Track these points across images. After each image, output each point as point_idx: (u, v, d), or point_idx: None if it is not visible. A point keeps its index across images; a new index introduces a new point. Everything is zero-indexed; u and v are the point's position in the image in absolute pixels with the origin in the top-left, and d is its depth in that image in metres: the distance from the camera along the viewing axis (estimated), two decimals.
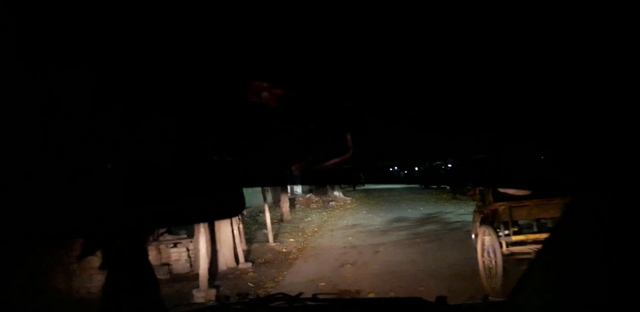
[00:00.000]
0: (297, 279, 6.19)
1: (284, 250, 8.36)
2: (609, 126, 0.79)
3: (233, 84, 0.76)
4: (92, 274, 5.42)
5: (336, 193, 17.68)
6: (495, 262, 4.28)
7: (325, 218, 12.53)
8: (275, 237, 9.42)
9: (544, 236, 4.23)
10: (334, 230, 10.32)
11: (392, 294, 5.08)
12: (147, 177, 0.98)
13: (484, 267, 4.61)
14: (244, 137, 0.92)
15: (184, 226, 7.11)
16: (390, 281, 5.67)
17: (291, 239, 9.40)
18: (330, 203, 15.84)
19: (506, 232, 4.49)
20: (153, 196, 1.01)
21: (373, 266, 6.50)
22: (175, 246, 7.25)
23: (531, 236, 4.35)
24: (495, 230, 4.45)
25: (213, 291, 5.74)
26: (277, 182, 1.42)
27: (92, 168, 0.91)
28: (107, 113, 0.80)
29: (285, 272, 6.64)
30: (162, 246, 7.24)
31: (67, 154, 0.87)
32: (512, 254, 4.28)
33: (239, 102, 0.77)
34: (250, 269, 7.05)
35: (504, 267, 4.15)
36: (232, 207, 1.21)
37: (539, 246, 3.75)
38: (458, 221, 10.03)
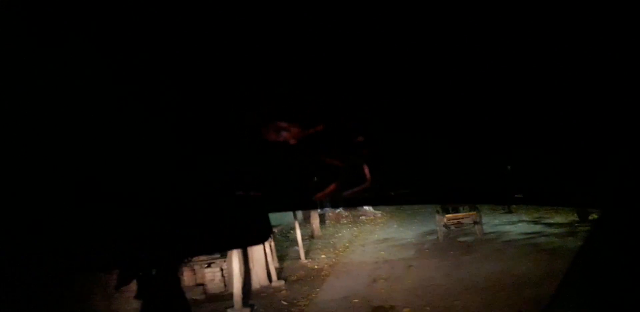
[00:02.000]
0: (330, 296, 6.17)
1: (315, 266, 8.35)
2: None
3: (253, 123, 0.82)
4: (129, 297, 5.56)
5: (366, 208, 17.55)
6: (441, 226, 9.52)
7: (356, 233, 12.46)
8: (307, 253, 9.43)
9: (460, 214, 9.24)
10: (365, 245, 10.24)
11: (427, 309, 5.01)
12: (178, 209, 1.03)
13: (440, 229, 9.60)
14: (266, 171, 0.96)
15: None
16: (424, 295, 5.59)
17: (323, 255, 9.38)
18: (361, 218, 15.73)
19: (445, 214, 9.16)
20: (184, 226, 1.07)
21: (406, 281, 6.42)
22: (209, 266, 7.36)
23: (455, 215, 9.22)
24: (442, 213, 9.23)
25: (247, 310, 5.80)
26: (306, 206, 1.46)
27: (126, 203, 0.96)
28: (140, 148, 0.86)
29: (318, 289, 6.63)
30: (196, 267, 7.37)
31: (102, 191, 0.92)
32: (446, 223, 9.35)
33: (259, 140, 0.83)
34: (283, 287, 7.07)
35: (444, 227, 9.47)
36: (260, 234, 1.25)
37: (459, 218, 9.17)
38: (492, 232, 9.81)
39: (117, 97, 0.72)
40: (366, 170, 0.91)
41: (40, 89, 0.65)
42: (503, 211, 12.35)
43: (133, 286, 1.66)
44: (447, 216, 9.00)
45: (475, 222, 9.16)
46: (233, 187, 0.99)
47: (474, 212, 9.00)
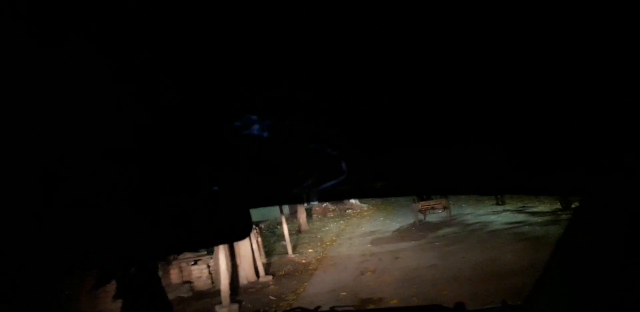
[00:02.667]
0: (318, 289, 6.18)
1: (303, 261, 8.36)
2: (619, 126, 0.79)
3: (224, 116, 0.79)
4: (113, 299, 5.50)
5: (352, 201, 17.62)
6: (416, 211, 10.81)
7: (342, 226, 12.50)
8: (294, 248, 9.42)
9: (432, 201, 10.52)
10: (352, 238, 10.28)
11: (414, 300, 5.04)
12: (155, 206, 1.01)
13: (415, 215, 10.92)
14: (243, 165, 0.94)
15: None
16: (411, 287, 5.63)
17: (310, 250, 9.39)
18: (347, 211, 15.80)
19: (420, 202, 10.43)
20: (161, 223, 1.04)
21: (394, 273, 6.46)
22: (195, 263, 7.31)
23: (428, 202, 10.50)
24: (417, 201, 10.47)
25: (235, 306, 5.77)
26: (289, 200, 1.44)
27: (102, 202, 0.93)
28: (117, 143, 0.83)
29: (306, 284, 6.63)
30: (183, 264, 7.31)
31: (78, 191, 0.89)
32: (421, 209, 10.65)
33: (230, 133, 0.81)
34: (271, 282, 7.06)
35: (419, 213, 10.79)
36: (240, 230, 1.23)
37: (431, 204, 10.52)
38: (478, 222, 9.92)
39: (104, 96, 0.71)
40: (342, 162, 0.90)
41: (40, 89, 0.64)
42: (491, 203, 12.48)
43: (114, 285, 1.61)
44: (422, 203, 10.55)
45: (444, 207, 10.76)
46: (211, 182, 0.97)
47: (444, 200, 10.63)
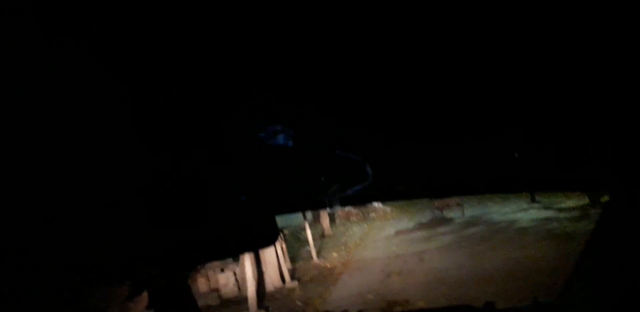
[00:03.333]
0: (344, 293, 6.16)
1: (328, 265, 8.34)
2: None
3: (249, 128, 0.81)
4: (144, 308, 5.58)
5: (375, 204, 17.49)
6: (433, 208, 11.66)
7: (366, 230, 12.43)
8: (319, 253, 9.41)
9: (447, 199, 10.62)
10: (376, 241, 10.22)
11: (441, 301, 4.98)
12: (184, 216, 1.02)
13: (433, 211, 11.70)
14: (269, 174, 0.96)
15: None
16: (438, 288, 5.56)
17: (334, 254, 9.37)
18: (371, 214, 15.68)
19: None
20: (190, 233, 1.06)
21: (419, 274, 6.39)
22: (222, 271, 7.38)
23: (444, 199, 10.60)
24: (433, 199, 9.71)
25: None
26: (313, 206, 1.45)
27: (130, 214, 0.95)
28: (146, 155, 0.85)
29: (332, 288, 6.62)
30: (209, 272, 7.38)
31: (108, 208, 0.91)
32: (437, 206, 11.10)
33: (256, 142, 0.83)
34: (297, 288, 7.07)
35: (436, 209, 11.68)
36: (267, 236, 1.23)
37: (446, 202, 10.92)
38: (504, 220, 9.74)
39: (117, 98, 0.71)
40: (368, 167, 0.91)
41: (39, 88, 0.64)
42: (523, 200, 12.20)
43: (146, 296, 1.65)
44: (437, 201, 11.20)
45: (458, 204, 11.51)
46: (238, 191, 0.99)
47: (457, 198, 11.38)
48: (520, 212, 10.48)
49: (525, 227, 8.48)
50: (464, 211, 11.63)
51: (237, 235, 1.14)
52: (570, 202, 10.26)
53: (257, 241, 1.25)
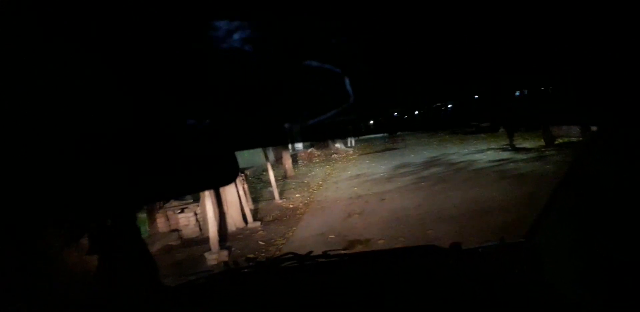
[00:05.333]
0: (306, 233, 6.23)
1: (290, 206, 8.41)
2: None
3: (192, 26, 0.60)
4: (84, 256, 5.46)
5: (338, 145, 17.63)
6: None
7: (328, 171, 12.54)
8: (281, 194, 9.46)
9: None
10: (338, 182, 10.34)
11: (401, 240, 5.11)
12: (129, 150, 0.85)
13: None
14: (217, 93, 0.76)
15: None
16: (398, 227, 5.69)
17: (297, 195, 9.44)
18: (333, 156, 15.83)
19: None
20: (138, 169, 0.89)
21: (380, 214, 6.52)
22: (182, 211, 7.29)
23: None
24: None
25: (225, 252, 5.81)
26: (274, 142, 1.26)
27: (69, 145, 0.78)
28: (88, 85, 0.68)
29: (294, 228, 6.69)
30: (169, 213, 7.29)
31: (41, 130, 0.73)
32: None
33: (203, 50, 0.62)
34: (259, 228, 7.11)
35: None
36: (225, 175, 1.10)
37: None
38: (462, 161, 10.00)
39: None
40: (348, 84, 0.71)
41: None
42: (475, 142, 12.54)
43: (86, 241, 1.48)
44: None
45: (402, 140, 14.87)
46: (191, 123, 0.80)
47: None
48: (479, 153, 10.79)
49: (483, 168, 8.74)
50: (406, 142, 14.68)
51: (193, 171, 0.99)
52: (527, 144, 10.63)
53: (215, 179, 1.11)
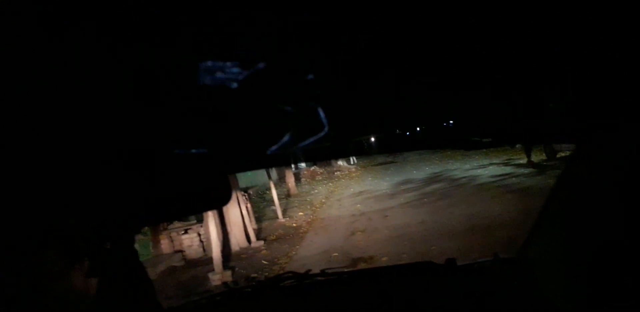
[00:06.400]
0: (309, 252, 6.22)
1: (294, 224, 8.40)
2: (614, 73, 0.72)
3: (180, 64, 0.66)
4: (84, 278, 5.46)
5: (340, 163, 17.67)
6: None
7: (331, 188, 12.55)
8: (284, 212, 9.46)
9: None
10: (341, 199, 10.34)
11: (404, 257, 5.10)
12: (124, 174, 0.90)
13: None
14: (211, 123, 0.82)
15: None
16: (401, 243, 5.68)
17: (300, 213, 9.43)
18: (336, 173, 15.86)
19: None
20: (133, 193, 0.94)
21: (383, 231, 6.51)
22: (186, 232, 7.30)
23: None
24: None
25: (228, 272, 5.79)
26: (273, 163, 1.31)
27: (73, 168, 0.83)
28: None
29: (297, 247, 6.68)
30: (173, 234, 7.30)
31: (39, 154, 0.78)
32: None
33: (191, 87, 0.68)
34: (262, 247, 7.10)
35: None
36: (218, 197, 1.14)
37: None
38: (464, 177, 10.01)
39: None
40: (321, 115, 0.77)
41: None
42: (478, 157, 12.55)
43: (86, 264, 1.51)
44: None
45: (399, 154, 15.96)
46: (178, 146, 0.85)
47: None
48: (480, 168, 10.80)
49: (484, 183, 8.74)
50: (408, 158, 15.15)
51: (184, 196, 1.03)
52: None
53: (209, 201, 1.15)
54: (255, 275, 5.53)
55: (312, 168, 16.40)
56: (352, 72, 0.75)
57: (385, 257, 5.23)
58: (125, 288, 1.49)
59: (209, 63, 0.65)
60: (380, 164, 17.00)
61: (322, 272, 1.64)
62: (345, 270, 1.79)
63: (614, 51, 0.69)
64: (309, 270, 1.69)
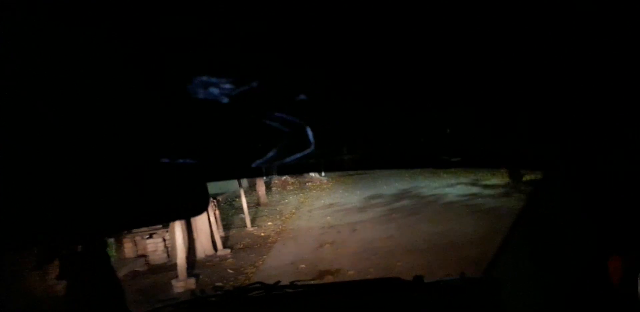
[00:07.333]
0: (276, 262, 6.20)
1: (262, 234, 8.35)
2: (580, 100, 0.77)
3: (176, 79, 0.69)
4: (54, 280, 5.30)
5: (312, 174, 17.69)
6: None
7: (302, 199, 12.55)
8: (253, 221, 9.39)
9: None
10: (311, 211, 10.35)
11: (371, 271, 5.15)
12: (102, 179, 0.91)
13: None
14: (198, 136, 0.85)
15: None
16: (369, 258, 5.74)
17: (269, 223, 9.39)
18: (307, 184, 15.85)
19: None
20: (110, 198, 0.95)
21: (352, 245, 6.56)
22: (150, 236, 7.15)
23: None
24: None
25: (192, 280, 5.70)
26: (249, 174, 1.35)
27: (49, 172, 0.83)
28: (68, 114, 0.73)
29: (264, 257, 6.64)
30: (137, 238, 7.14)
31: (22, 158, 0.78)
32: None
33: (186, 100, 0.71)
34: (229, 256, 7.02)
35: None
36: (195, 206, 1.15)
37: None
38: (432, 195, 10.19)
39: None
40: (309, 133, 0.82)
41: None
42: (446, 175, 12.79)
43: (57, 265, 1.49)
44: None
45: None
46: (164, 155, 0.88)
47: None
48: (449, 187, 11.01)
49: (452, 202, 8.93)
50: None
51: (162, 202, 1.05)
52: (495, 180, 10.93)
53: (185, 210, 1.16)
54: (220, 284, 5.46)
55: (284, 177, 16.34)
56: (338, 94, 0.80)
57: (352, 271, 5.27)
58: (95, 291, 1.48)
59: (204, 78, 0.68)
60: (351, 176, 17.11)
61: (291, 284, 1.65)
62: (314, 283, 1.81)
63: (585, 81, 0.73)
64: (278, 281, 1.70)
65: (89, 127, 0.77)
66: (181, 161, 0.90)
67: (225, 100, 0.71)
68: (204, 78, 0.68)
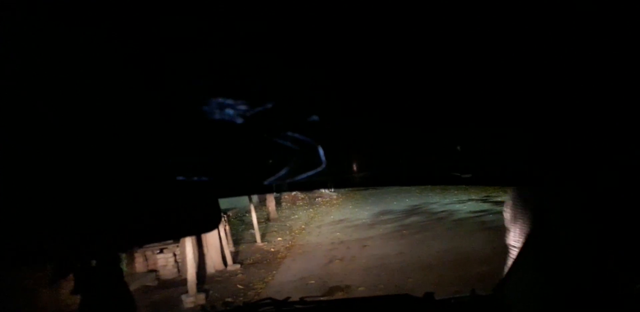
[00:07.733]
0: (286, 278, 6.18)
1: (272, 249, 8.34)
2: (587, 119, 0.78)
3: (193, 99, 0.73)
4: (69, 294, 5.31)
5: (322, 190, 17.68)
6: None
7: (312, 215, 12.53)
8: (263, 236, 9.39)
9: None
10: (321, 226, 10.32)
11: (381, 287, 5.12)
12: (117, 196, 0.94)
13: None
14: (213, 154, 0.89)
15: None
16: (379, 274, 5.71)
17: (279, 238, 9.38)
18: (317, 199, 15.84)
19: None
20: (125, 214, 0.98)
21: (361, 261, 6.53)
22: (161, 251, 7.18)
23: None
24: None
25: (202, 296, 5.70)
26: (260, 190, 1.38)
27: (63, 188, 0.86)
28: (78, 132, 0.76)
29: (274, 272, 6.63)
30: (148, 253, 7.17)
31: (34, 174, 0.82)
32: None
33: (202, 119, 0.75)
34: (239, 271, 7.02)
35: None
36: (208, 222, 1.18)
37: None
38: (444, 211, 10.13)
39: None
40: (321, 152, 0.86)
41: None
42: (456, 192, 12.68)
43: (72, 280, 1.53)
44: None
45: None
46: (178, 172, 0.92)
47: None
48: (459, 203, 10.95)
49: (463, 218, 8.87)
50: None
51: (176, 218, 1.07)
52: (506, 196, 10.81)
53: (198, 225, 1.19)
54: (230, 299, 5.46)
55: (294, 193, 16.35)
56: (349, 112, 0.84)
57: (362, 287, 5.24)
58: (108, 305, 1.52)
59: (219, 99, 0.73)
60: (361, 192, 17.05)
61: (301, 300, 1.67)
62: (324, 299, 1.82)
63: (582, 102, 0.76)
64: (288, 297, 1.71)
65: (100, 138, 0.80)
66: (196, 178, 0.93)
67: (240, 121, 0.75)
68: (219, 99, 0.73)
